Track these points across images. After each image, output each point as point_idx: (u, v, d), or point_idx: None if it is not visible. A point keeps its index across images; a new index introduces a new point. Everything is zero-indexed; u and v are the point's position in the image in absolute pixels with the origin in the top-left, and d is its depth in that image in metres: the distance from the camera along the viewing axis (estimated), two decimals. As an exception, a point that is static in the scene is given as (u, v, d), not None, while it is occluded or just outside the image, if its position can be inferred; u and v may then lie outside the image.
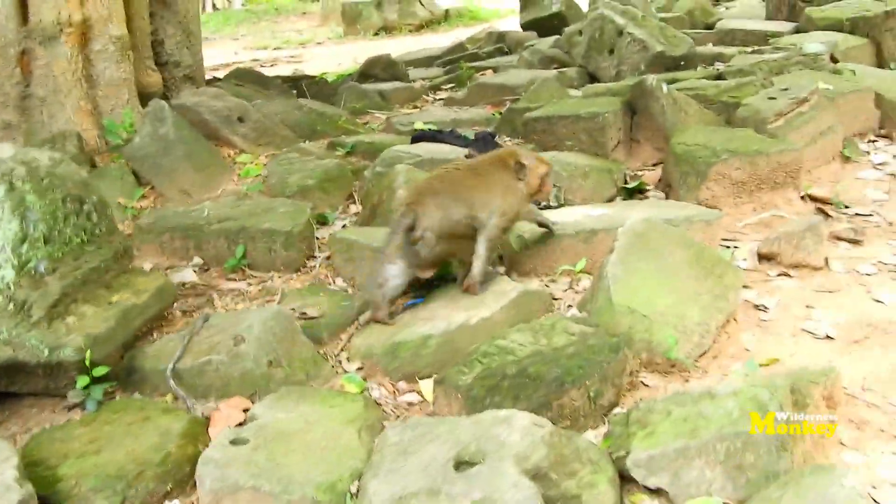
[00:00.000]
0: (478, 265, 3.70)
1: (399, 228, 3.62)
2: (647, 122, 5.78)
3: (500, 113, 6.96)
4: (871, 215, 4.88)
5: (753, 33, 9.35)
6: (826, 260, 4.28)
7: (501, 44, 11.60)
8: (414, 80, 9.69)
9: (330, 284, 4.22)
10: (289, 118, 6.72)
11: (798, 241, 4.25)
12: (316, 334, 3.57)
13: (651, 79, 5.75)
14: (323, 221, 4.92)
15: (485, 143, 5.30)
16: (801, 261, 4.24)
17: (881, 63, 8.26)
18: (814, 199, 5.05)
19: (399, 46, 17.43)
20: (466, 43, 13.07)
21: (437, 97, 8.64)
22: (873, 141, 6.08)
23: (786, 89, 5.68)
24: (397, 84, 9.01)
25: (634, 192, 5.26)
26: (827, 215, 4.86)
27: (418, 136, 5.74)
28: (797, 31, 9.27)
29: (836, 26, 8.71)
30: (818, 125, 5.52)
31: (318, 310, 3.76)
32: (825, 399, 2.84)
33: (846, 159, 5.70)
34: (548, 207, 4.73)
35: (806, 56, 7.25)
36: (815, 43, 7.34)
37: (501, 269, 4.14)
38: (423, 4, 20.64)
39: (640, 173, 5.60)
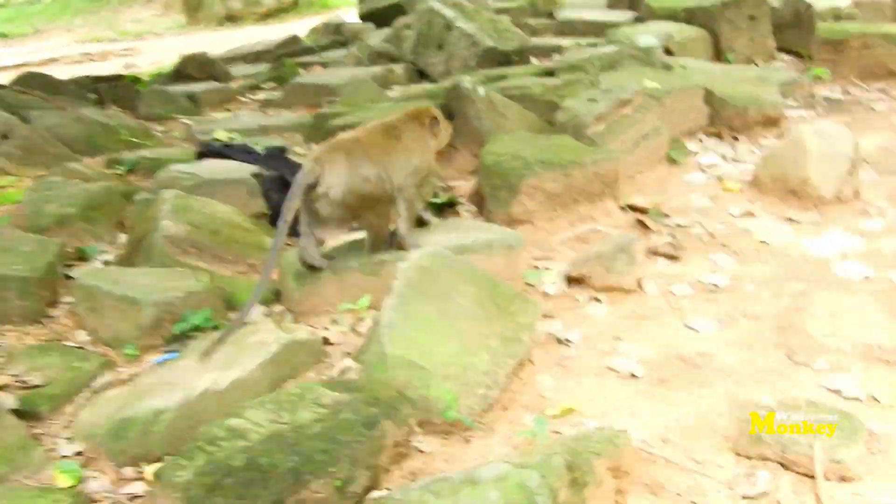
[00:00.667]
0: (402, 225, 3.80)
1: (299, 186, 3.46)
2: (464, 126, 5.42)
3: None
4: (692, 226, 4.61)
5: (593, 24, 9.11)
6: (639, 281, 3.97)
7: (339, 36, 11.09)
8: (236, 79, 9.07)
9: (69, 340, 3.66)
10: (66, 132, 6.02)
11: (609, 262, 3.94)
12: (34, 408, 3.03)
13: (466, 80, 5.38)
14: (83, 257, 4.33)
15: (275, 160, 4.78)
16: (612, 284, 3.93)
17: (719, 55, 8.12)
18: (634, 209, 4.76)
19: (242, 37, 16.70)
20: (307, 35, 12.48)
21: (256, 98, 8.06)
22: (702, 140, 5.86)
23: (608, 90, 5.37)
24: (212, 85, 8.35)
25: (444, 208, 4.87)
26: (646, 227, 4.57)
27: (205, 151, 5.19)
28: (637, 20, 9.08)
29: (674, 16, 8.54)
30: (642, 128, 5.25)
31: (42, 376, 3.20)
32: (611, 471, 2.49)
33: (673, 162, 5.47)
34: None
35: (639, 50, 7.01)
36: (647, 36, 7.10)
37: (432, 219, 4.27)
38: (269, -8, 19.88)
39: (454, 184, 5.21)
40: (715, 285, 3.98)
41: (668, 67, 6.43)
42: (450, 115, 5.39)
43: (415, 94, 5.97)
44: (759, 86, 6.13)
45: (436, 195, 4.97)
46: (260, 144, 5.25)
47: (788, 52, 8.22)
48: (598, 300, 3.89)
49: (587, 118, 5.00)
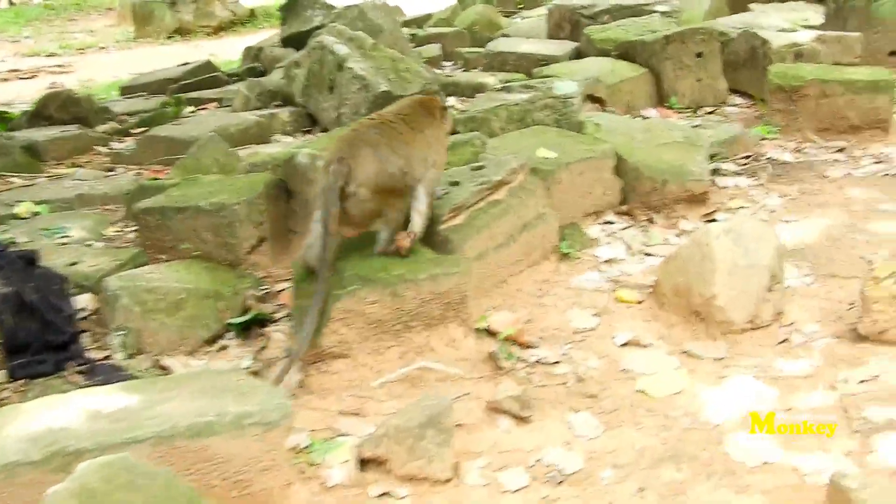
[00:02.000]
0: (419, 220, 3.64)
1: (333, 192, 3.36)
2: (304, 209, 4.40)
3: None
4: (559, 362, 3.57)
5: (526, 57, 8.09)
6: (457, 467, 2.94)
7: (258, 63, 10.06)
8: (117, 118, 8.00)
9: None
10: None
11: (413, 440, 2.90)
12: None
13: (303, 154, 4.34)
14: None
15: (16, 270, 3.70)
16: (417, 471, 2.89)
17: (662, 98, 7.10)
18: (493, 333, 3.73)
19: (188, 53, 15.70)
20: (242, 58, 11.41)
21: (119, 147, 6.98)
22: (609, 224, 4.83)
23: (480, 167, 4.33)
24: (66, 131, 7.18)
25: (250, 327, 3.84)
26: (498, 367, 3.53)
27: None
28: (578, 54, 8.05)
29: (615, 51, 7.53)
30: (521, 216, 4.24)
31: None
32: None
33: (564, 257, 4.43)
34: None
35: (556, 98, 5.97)
36: (567, 82, 6.06)
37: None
38: (223, 4, 18.85)
39: (280, 288, 4.18)
40: (561, 471, 2.94)
41: (578, 126, 5.39)
42: (288, 194, 4.41)
43: (260, 163, 4.92)
44: (686, 150, 5.10)
45: (246, 310, 3.94)
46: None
47: (743, 93, 7.19)
48: (394, 496, 2.85)
49: (441, 209, 3.95)
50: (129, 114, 8.09)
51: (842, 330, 3.66)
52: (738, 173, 5.55)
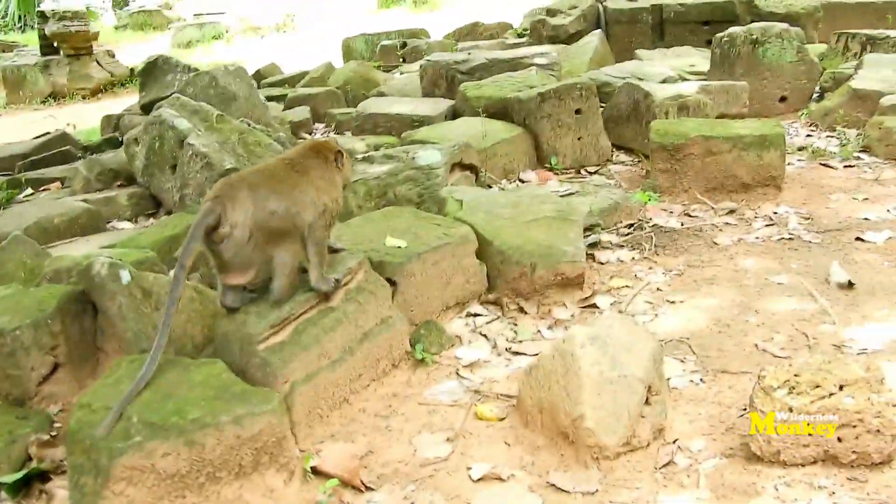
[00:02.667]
0: (314, 273, 3.46)
1: (199, 228, 3.14)
2: (109, 327, 3.73)
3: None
4: (395, 514, 2.96)
5: (398, 118, 7.56)
6: None
7: (118, 132, 9.32)
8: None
9: None
10: None
11: None
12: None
13: (101, 262, 3.67)
14: None
15: None
16: None
17: (542, 158, 6.62)
18: (325, 475, 3.11)
19: (60, 118, 14.88)
20: (101, 127, 10.65)
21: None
22: (475, 316, 4.27)
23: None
24: None
25: (33, 482, 3.15)
26: (324, 524, 2.91)
27: None
28: (454, 113, 7.54)
29: (490, 109, 7.04)
30: (358, 326, 3.66)
31: None
32: None
33: (418, 363, 3.84)
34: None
35: (419, 169, 5.43)
36: (431, 150, 5.53)
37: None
38: (101, 65, 18.02)
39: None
40: None
41: (441, 203, 4.84)
42: (94, 310, 3.75)
43: (66, 269, 4.21)
44: (558, 226, 4.57)
45: (27, 460, 3.25)
46: None
47: (629, 150, 6.76)
48: None
49: (258, 325, 3.33)
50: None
51: (733, 446, 3.13)
52: (620, 245, 5.07)
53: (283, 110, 8.99)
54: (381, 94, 8.95)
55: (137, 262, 4.11)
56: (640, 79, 7.94)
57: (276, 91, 10.29)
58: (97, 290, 3.69)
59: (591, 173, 6.56)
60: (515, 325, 4.20)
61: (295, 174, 3.44)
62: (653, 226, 5.31)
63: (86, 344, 3.78)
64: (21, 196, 7.00)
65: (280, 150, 5.98)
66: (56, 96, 17.76)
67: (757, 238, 5.09)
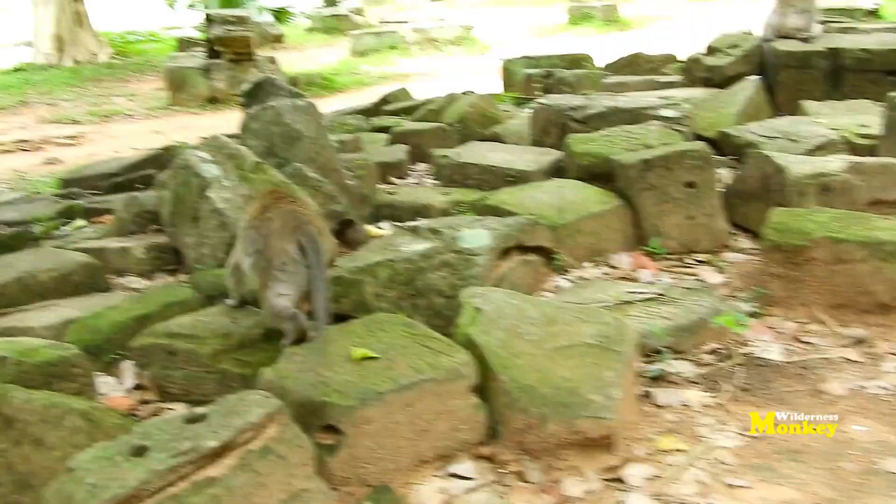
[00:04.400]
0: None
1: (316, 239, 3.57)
2: None
3: None
4: None
5: (492, 171, 6.57)
6: None
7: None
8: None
9: None
10: None
11: None
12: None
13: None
14: None
15: None
16: None
17: (641, 239, 5.49)
18: None
19: (215, 124, 14.67)
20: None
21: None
22: (458, 476, 3.27)
23: (200, 417, 2.83)
24: None
25: None
26: None
27: None
28: (559, 169, 6.50)
29: (594, 170, 5.96)
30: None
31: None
32: None
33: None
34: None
35: (459, 254, 4.47)
36: (479, 229, 4.55)
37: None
38: (260, 71, 17.84)
39: None
40: None
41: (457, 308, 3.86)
42: None
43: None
44: (594, 359, 3.50)
45: None
46: None
47: (755, 234, 5.54)
48: None
49: (90, 500, 2.45)
50: (26, 221, 6.81)
51: None
52: (692, 380, 3.90)
53: (385, 145, 8.15)
54: (494, 137, 7.97)
55: (46, 364, 3.33)
56: (792, 140, 6.66)
57: (391, 121, 9.49)
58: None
59: (699, 262, 5.37)
60: (504, 499, 3.14)
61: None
62: (745, 355, 4.11)
63: None
64: (69, 228, 6.46)
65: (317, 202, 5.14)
66: (215, 101, 17.70)
67: (883, 388, 3.82)
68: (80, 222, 6.65)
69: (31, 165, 12.84)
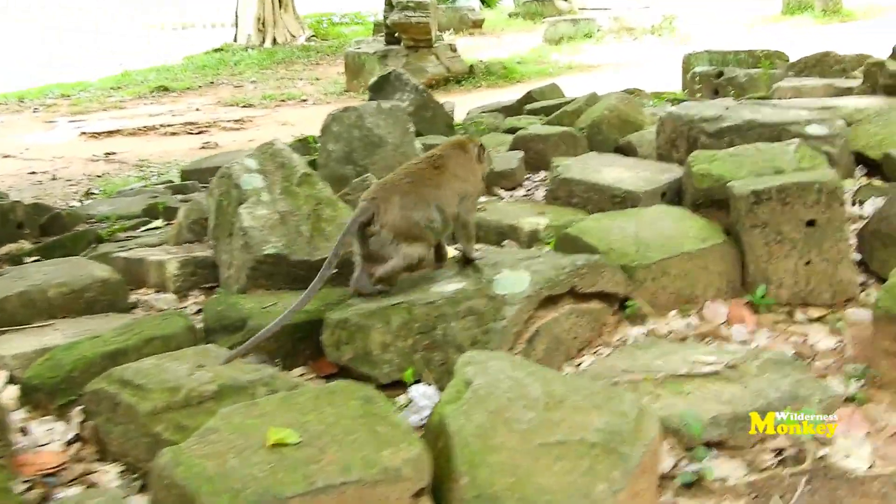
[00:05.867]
0: (466, 245, 4.20)
1: (355, 223, 3.88)
2: None
3: None
4: None
5: (598, 189, 5.87)
6: None
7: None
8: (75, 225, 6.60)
9: None
10: None
11: None
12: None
13: None
14: None
15: None
16: None
17: (747, 285, 4.68)
18: None
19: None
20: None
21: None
22: None
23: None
24: None
25: None
26: None
27: None
28: (679, 189, 5.73)
29: (717, 194, 5.17)
30: None
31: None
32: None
33: None
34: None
35: (490, 299, 3.88)
36: (522, 273, 3.92)
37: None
38: (439, 58, 17.56)
39: None
40: None
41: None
42: None
43: None
44: (590, 462, 2.82)
45: None
46: None
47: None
48: None
49: None
50: (108, 218, 6.65)
51: None
52: (738, 490, 3.12)
53: (508, 150, 7.54)
54: (627, 146, 7.21)
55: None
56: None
57: (525, 121, 8.84)
58: None
59: (813, 319, 4.48)
60: None
61: (440, 174, 4.05)
62: (821, 458, 3.26)
63: None
64: (142, 230, 6.23)
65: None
66: (379, 90, 17.55)
67: None
68: (157, 223, 6.41)
69: (188, 150, 13.05)
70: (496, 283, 3.89)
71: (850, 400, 3.62)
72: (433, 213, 3.94)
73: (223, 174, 4.92)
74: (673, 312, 4.52)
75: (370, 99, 8.69)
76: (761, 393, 3.46)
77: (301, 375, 3.97)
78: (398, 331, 3.81)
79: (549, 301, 3.97)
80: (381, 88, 8.65)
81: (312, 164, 5.89)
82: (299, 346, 4.04)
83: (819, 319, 4.47)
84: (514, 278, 3.89)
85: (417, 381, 3.78)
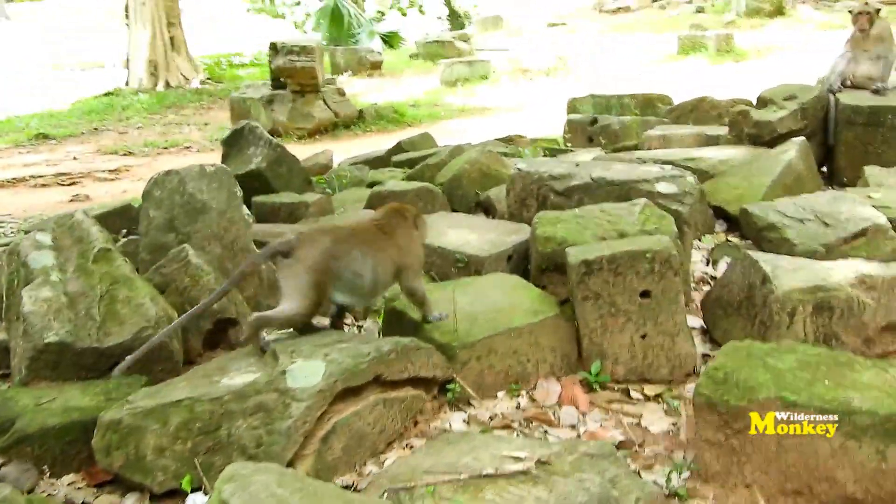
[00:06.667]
0: (422, 311, 4.22)
1: (271, 249, 3.85)
2: None
3: None
4: None
5: (440, 254, 5.57)
6: None
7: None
8: None
9: None
10: None
11: None
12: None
13: None
14: None
15: None
16: None
17: (583, 361, 4.40)
18: None
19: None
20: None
21: None
22: None
23: None
24: None
25: None
26: None
27: None
28: (525, 252, 5.46)
29: (559, 258, 4.92)
30: None
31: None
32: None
33: None
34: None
35: (280, 394, 3.52)
36: (316, 362, 3.55)
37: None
38: (327, 104, 17.23)
39: None
40: None
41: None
42: None
43: None
44: None
45: None
46: None
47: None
48: None
49: None
50: None
51: None
52: None
53: (365, 207, 7.22)
54: (486, 203, 6.94)
55: None
56: (826, 224, 5.47)
57: (386, 175, 8.53)
58: None
59: (649, 397, 4.22)
60: None
61: (385, 238, 4.00)
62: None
63: None
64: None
65: (149, 320, 4.21)
66: (274, 134, 17.11)
67: None
68: None
69: (56, 203, 12.43)
70: (289, 375, 3.53)
71: (672, 496, 3.34)
72: (366, 269, 3.85)
73: (12, 250, 4.49)
74: (501, 393, 4.22)
75: (223, 153, 8.30)
76: (567, 498, 3.14)
77: (70, 485, 3.54)
78: (177, 432, 3.43)
79: (350, 392, 3.63)
80: (234, 143, 8.26)
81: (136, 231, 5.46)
82: (71, 449, 3.62)
83: (657, 398, 4.21)
84: (308, 368, 3.54)
85: (198, 489, 3.39)
